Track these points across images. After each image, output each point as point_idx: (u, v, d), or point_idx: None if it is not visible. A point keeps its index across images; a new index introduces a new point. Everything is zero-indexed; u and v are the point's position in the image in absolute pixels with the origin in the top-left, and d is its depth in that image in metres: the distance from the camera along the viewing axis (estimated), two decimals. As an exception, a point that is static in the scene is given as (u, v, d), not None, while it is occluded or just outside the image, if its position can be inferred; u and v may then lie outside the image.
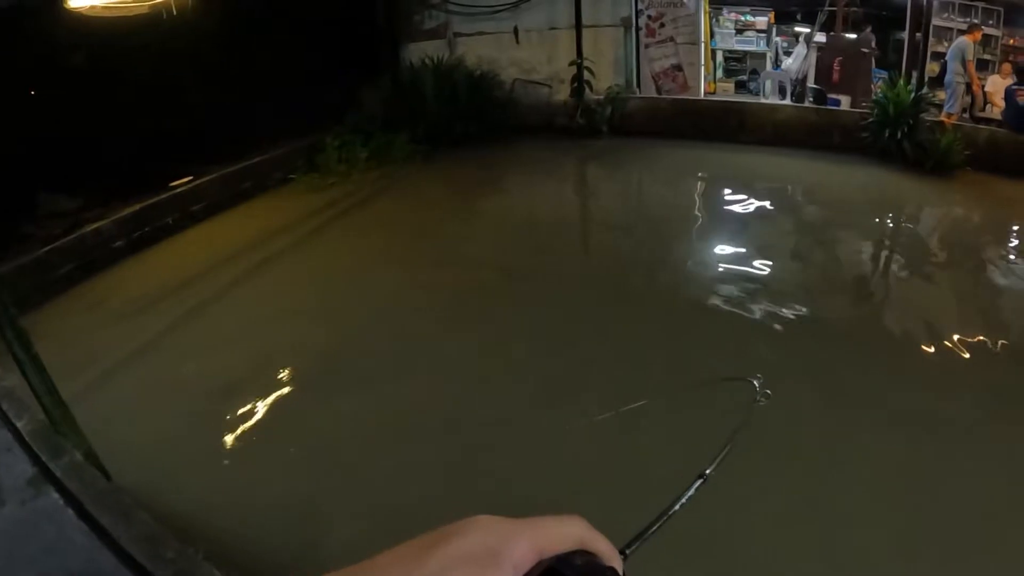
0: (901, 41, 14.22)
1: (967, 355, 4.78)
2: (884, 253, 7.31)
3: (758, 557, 3.10)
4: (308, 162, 9.63)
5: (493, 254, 7.05)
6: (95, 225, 6.76)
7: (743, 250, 6.91)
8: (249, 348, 5.17)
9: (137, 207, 7.12)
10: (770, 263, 6.50)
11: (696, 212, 8.72)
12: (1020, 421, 4.02)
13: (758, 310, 5.54)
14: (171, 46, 7.29)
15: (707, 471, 0.76)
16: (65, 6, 5.74)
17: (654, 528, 0.62)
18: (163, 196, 7.52)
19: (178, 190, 7.75)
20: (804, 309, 5.58)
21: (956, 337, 5.00)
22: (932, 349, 4.95)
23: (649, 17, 11.34)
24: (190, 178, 8.00)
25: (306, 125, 9.85)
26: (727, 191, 9.11)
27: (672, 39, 11.35)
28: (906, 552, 3.10)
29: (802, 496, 3.45)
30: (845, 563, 3.06)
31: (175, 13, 6.16)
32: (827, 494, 3.46)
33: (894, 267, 6.98)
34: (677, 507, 0.66)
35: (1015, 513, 3.28)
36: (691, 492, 0.71)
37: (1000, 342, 4.98)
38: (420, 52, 11.86)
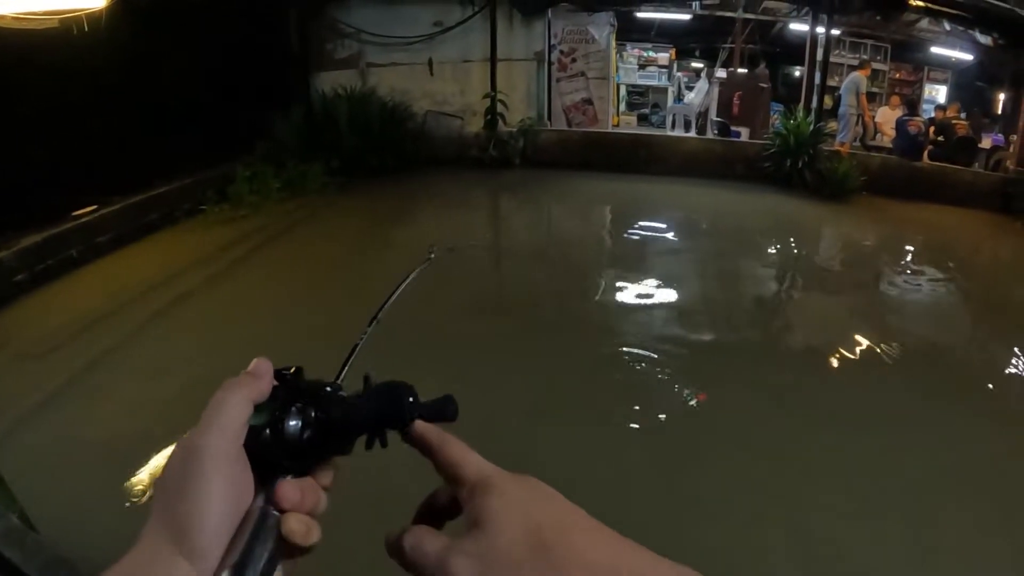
0: (791, 76, 15.28)
1: (865, 358, 5.21)
2: (788, 272, 7.79)
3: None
4: (218, 192, 9.10)
5: (408, 286, 6.81)
6: (-7, 258, 6.15)
7: (651, 274, 7.07)
8: (165, 388, 4.75)
9: (39, 238, 6.50)
10: (678, 286, 6.72)
11: (605, 241, 8.94)
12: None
13: (681, 332, 5.69)
14: (76, 66, 6.72)
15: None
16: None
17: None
18: (66, 227, 6.90)
19: (82, 220, 7.17)
20: (715, 328, 5.81)
21: (857, 341, 5.45)
22: (836, 355, 5.28)
23: (562, 52, 11.63)
24: (94, 207, 7.43)
25: (216, 153, 9.38)
26: (635, 220, 9.44)
27: (583, 74, 11.67)
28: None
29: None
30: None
31: (87, 29, 5.73)
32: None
33: (798, 284, 7.47)
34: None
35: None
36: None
37: (897, 343, 5.44)
38: (332, 81, 11.63)
